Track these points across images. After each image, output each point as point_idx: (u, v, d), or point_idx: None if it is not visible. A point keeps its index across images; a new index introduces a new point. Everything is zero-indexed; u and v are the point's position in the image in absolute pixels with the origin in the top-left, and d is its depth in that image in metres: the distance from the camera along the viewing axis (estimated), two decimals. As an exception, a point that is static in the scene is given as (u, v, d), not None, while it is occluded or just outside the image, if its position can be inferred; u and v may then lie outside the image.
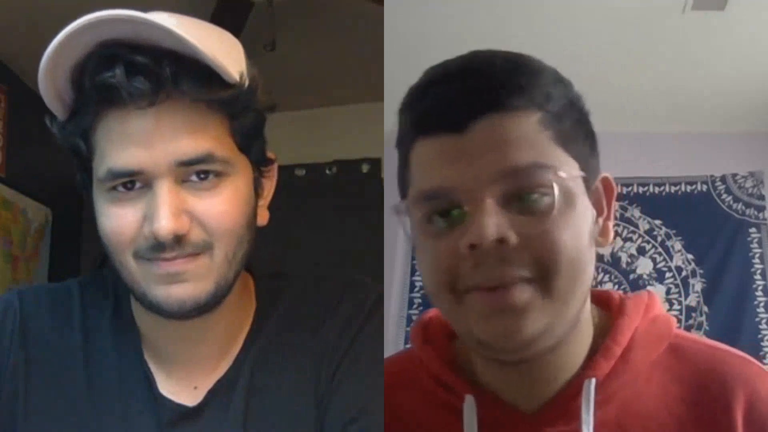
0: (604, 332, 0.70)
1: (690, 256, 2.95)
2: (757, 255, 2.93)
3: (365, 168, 3.26)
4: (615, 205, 0.70)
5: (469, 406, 0.69)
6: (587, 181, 0.65)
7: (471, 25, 2.53)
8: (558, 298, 0.62)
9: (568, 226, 0.62)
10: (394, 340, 2.95)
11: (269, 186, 0.83)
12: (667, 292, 2.92)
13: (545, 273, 0.61)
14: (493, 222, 0.59)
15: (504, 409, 0.69)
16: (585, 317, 0.70)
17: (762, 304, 2.86)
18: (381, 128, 2.88)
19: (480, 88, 0.63)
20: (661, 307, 0.74)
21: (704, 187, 3.04)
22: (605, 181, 0.69)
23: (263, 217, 0.81)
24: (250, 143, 0.78)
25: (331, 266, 2.98)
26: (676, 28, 2.50)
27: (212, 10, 2.32)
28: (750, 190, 3.02)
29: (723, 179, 3.04)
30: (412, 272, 3.07)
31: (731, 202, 3.01)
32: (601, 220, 0.68)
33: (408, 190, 0.67)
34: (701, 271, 2.93)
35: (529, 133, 0.62)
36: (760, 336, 2.81)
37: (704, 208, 3.00)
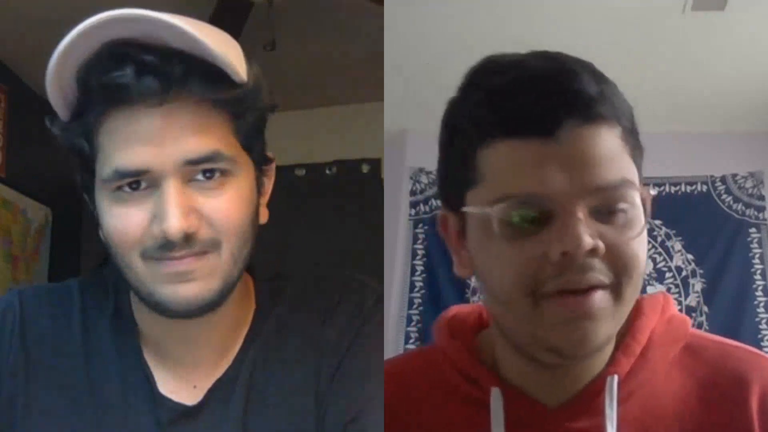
0: (622, 332, 0.71)
1: (690, 256, 2.95)
2: (757, 255, 2.93)
3: (365, 168, 3.27)
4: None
5: (496, 399, 0.70)
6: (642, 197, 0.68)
7: (471, 25, 2.53)
8: (625, 305, 0.65)
9: (641, 239, 0.65)
10: (394, 340, 2.95)
11: (269, 185, 0.83)
12: (667, 292, 2.92)
13: (620, 280, 0.64)
14: (588, 232, 0.61)
15: (528, 403, 0.71)
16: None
17: (762, 304, 2.86)
18: (381, 128, 2.88)
19: (570, 93, 0.63)
20: (675, 307, 0.76)
21: (704, 188, 3.05)
22: (645, 193, 0.70)
23: (263, 215, 0.81)
24: (253, 142, 0.78)
25: (331, 266, 2.98)
26: (676, 28, 2.50)
27: (212, 10, 2.32)
28: (750, 191, 3.02)
29: (723, 179, 3.04)
30: (412, 272, 3.07)
31: (731, 203, 3.01)
32: None
33: (469, 186, 0.66)
34: (701, 271, 2.93)
35: (616, 148, 0.64)
36: (760, 336, 2.82)
37: (704, 208, 3.00)
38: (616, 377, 0.69)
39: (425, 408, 0.76)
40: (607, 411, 0.68)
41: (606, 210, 0.63)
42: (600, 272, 0.63)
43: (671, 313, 0.75)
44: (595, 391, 0.69)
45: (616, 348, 0.71)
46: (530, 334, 0.66)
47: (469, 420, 0.72)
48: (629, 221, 0.64)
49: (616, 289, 0.64)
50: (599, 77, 0.66)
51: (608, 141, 0.64)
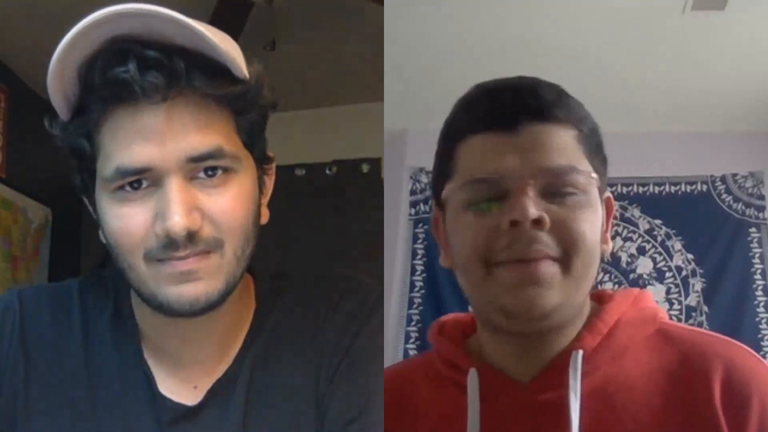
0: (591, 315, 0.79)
1: (690, 256, 2.95)
2: (757, 255, 2.93)
3: (365, 168, 3.26)
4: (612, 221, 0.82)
5: (473, 378, 0.78)
6: (601, 193, 0.77)
7: (471, 25, 2.53)
8: (574, 277, 0.72)
9: (589, 221, 0.74)
10: (394, 340, 2.95)
11: (269, 184, 0.83)
12: (667, 292, 2.92)
13: (568, 253, 0.72)
14: (534, 205, 0.71)
15: (503, 380, 0.77)
16: (585, 310, 0.79)
17: (762, 304, 2.86)
18: (381, 128, 2.88)
19: (531, 98, 0.75)
20: (653, 303, 0.82)
21: (704, 187, 3.04)
22: (608, 201, 0.80)
23: (264, 215, 0.81)
24: (255, 140, 0.78)
25: (331, 266, 2.98)
26: (676, 28, 2.50)
27: (212, 10, 2.32)
28: (750, 190, 3.02)
29: (723, 179, 3.04)
30: (412, 272, 3.07)
31: (731, 202, 3.01)
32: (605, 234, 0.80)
33: (448, 178, 0.77)
34: (701, 271, 2.93)
35: (569, 144, 0.75)
36: (760, 336, 2.82)
37: (704, 208, 3.00)
38: (581, 352, 0.75)
39: (420, 399, 0.83)
40: (571, 383, 0.73)
41: (556, 192, 0.73)
42: (546, 245, 0.71)
43: (645, 304, 0.81)
44: (560, 365, 0.75)
45: (583, 327, 0.77)
46: (484, 297, 0.75)
47: (453, 402, 0.78)
48: (578, 204, 0.73)
49: (564, 262, 0.72)
50: (560, 91, 0.77)
51: (561, 138, 0.74)
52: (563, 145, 0.74)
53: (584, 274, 0.73)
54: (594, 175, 0.74)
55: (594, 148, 0.77)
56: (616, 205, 0.82)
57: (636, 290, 0.83)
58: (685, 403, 0.72)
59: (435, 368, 0.84)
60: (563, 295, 0.72)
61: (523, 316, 0.72)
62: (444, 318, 0.89)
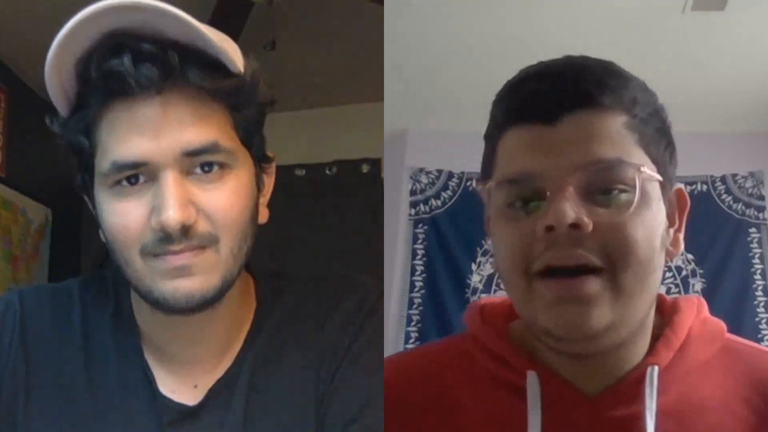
0: (659, 329, 0.72)
1: (690, 256, 2.95)
2: (757, 255, 2.93)
3: (365, 168, 3.26)
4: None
5: (533, 382, 0.70)
6: (664, 187, 0.68)
7: (471, 25, 2.53)
8: (625, 294, 0.64)
9: (642, 224, 0.64)
10: (394, 340, 2.95)
11: (269, 183, 0.83)
12: (667, 292, 2.92)
13: (615, 265, 0.63)
14: (572, 207, 0.62)
15: (566, 388, 0.70)
16: (650, 321, 0.71)
17: (762, 304, 2.86)
18: (381, 128, 2.88)
19: (572, 85, 0.66)
20: (707, 311, 0.76)
21: (704, 187, 3.05)
22: (679, 193, 0.71)
23: (263, 215, 0.81)
24: (252, 137, 0.78)
25: (331, 266, 2.98)
26: (676, 28, 2.50)
27: (212, 10, 2.32)
28: (750, 190, 3.02)
29: (723, 179, 3.05)
30: (412, 272, 3.07)
31: (731, 202, 3.01)
32: (672, 231, 0.71)
33: (489, 177, 0.70)
34: (701, 271, 2.93)
35: (616, 132, 0.65)
36: (760, 336, 2.82)
37: (704, 208, 2.99)
38: (656, 368, 0.68)
39: (463, 395, 0.75)
40: (647, 401, 0.67)
41: (601, 189, 0.64)
42: (588, 250, 0.63)
43: (705, 314, 0.75)
44: (634, 380, 0.69)
45: (656, 340, 0.71)
46: (527, 315, 0.68)
47: (506, 405, 0.71)
48: (628, 203, 0.63)
49: (610, 275, 0.63)
50: (611, 71, 0.68)
51: (607, 126, 0.65)
52: (608, 134, 0.65)
53: (638, 288, 0.64)
54: (644, 168, 0.64)
55: (653, 134, 0.68)
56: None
57: (695, 298, 0.76)
58: None
59: (477, 362, 0.75)
60: (613, 314, 0.63)
61: (563, 338, 0.65)
62: (480, 303, 0.80)
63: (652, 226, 0.65)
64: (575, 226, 0.62)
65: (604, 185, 0.64)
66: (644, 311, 0.67)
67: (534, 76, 0.68)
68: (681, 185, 0.72)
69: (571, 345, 0.66)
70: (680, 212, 0.72)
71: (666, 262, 0.69)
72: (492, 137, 0.71)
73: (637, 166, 0.64)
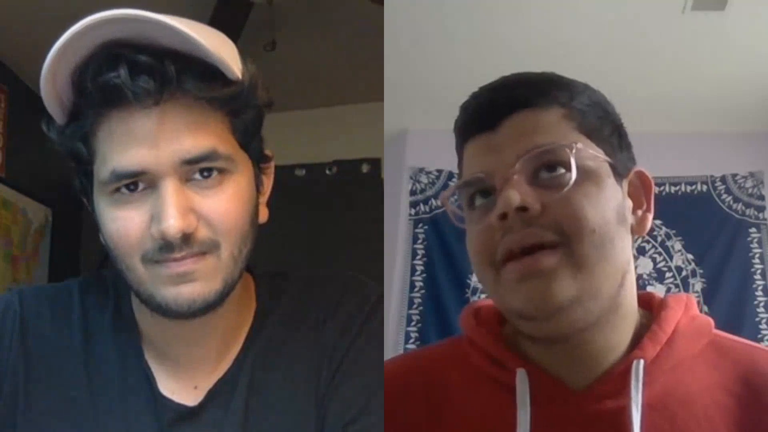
0: (647, 325, 0.74)
1: (690, 256, 2.95)
2: (757, 255, 2.93)
3: (365, 168, 3.27)
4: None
5: (522, 379, 0.73)
6: (615, 168, 0.72)
7: (471, 25, 2.53)
8: (585, 265, 0.67)
9: (590, 199, 0.68)
10: (394, 340, 2.95)
11: (268, 183, 0.83)
12: (667, 292, 2.92)
13: (570, 238, 0.67)
14: (516, 192, 0.67)
15: (553, 384, 0.72)
16: (627, 304, 0.73)
17: (762, 304, 2.86)
18: (381, 128, 2.88)
19: (508, 92, 0.73)
20: (697, 309, 0.78)
21: (704, 187, 3.04)
22: (641, 175, 0.76)
23: (263, 215, 0.81)
24: (250, 140, 0.78)
25: (330, 266, 2.98)
26: (676, 28, 2.50)
27: (212, 10, 2.32)
28: (750, 190, 3.02)
29: (723, 179, 3.04)
30: (412, 272, 3.07)
31: (731, 202, 3.01)
32: (639, 212, 0.75)
33: None
34: (701, 271, 2.93)
35: (553, 123, 0.71)
36: (760, 336, 2.82)
37: (704, 208, 2.99)
38: (642, 361, 0.70)
39: (456, 394, 0.77)
40: (633, 393, 0.69)
41: (545, 173, 0.69)
42: (541, 228, 0.67)
43: (694, 312, 0.77)
44: (620, 374, 0.70)
45: (643, 335, 0.73)
46: (500, 302, 0.72)
47: (497, 402, 0.74)
48: (569, 180, 0.67)
49: (566, 248, 0.67)
50: (546, 78, 0.74)
51: (543, 120, 0.71)
52: (545, 126, 0.70)
53: (597, 260, 0.67)
54: (579, 145, 0.69)
55: (595, 122, 0.72)
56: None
57: (684, 296, 0.78)
58: (748, 425, 0.69)
59: (469, 361, 0.78)
60: (575, 286, 0.66)
61: (532, 314, 0.68)
62: (476, 305, 0.83)
63: (602, 201, 0.69)
64: (523, 208, 0.67)
65: (546, 168, 0.69)
66: (610, 285, 0.69)
67: (475, 96, 0.75)
68: (642, 169, 0.76)
69: (543, 325, 0.68)
70: (646, 193, 0.75)
71: (634, 239, 0.74)
72: (459, 156, 0.78)
73: (571, 146, 0.68)
